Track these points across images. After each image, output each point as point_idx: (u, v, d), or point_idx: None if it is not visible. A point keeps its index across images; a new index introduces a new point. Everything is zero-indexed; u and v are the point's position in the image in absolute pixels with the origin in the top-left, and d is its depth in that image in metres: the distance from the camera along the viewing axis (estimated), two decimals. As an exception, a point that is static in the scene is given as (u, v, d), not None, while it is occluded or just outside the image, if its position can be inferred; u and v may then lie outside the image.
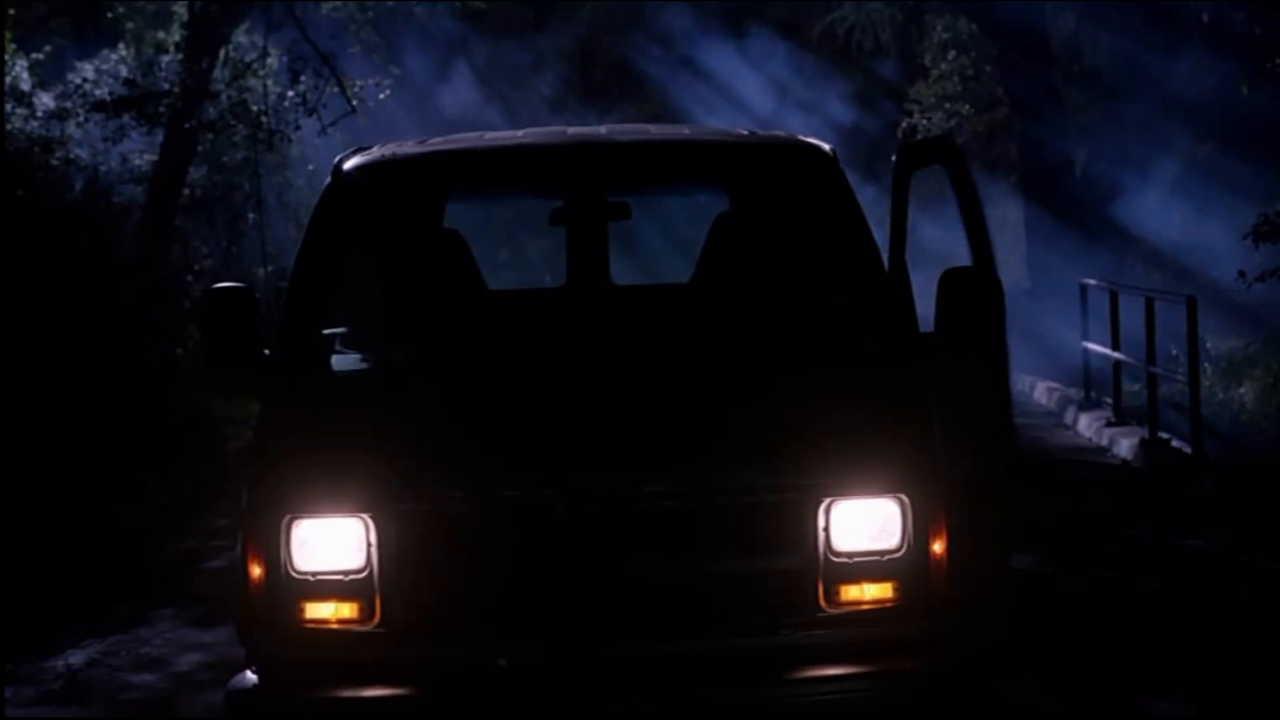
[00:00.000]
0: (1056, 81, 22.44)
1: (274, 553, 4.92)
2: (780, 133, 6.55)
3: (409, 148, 6.15)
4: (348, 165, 5.93)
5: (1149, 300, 14.06)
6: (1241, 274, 13.57)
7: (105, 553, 10.49)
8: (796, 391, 5.22)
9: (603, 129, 6.46)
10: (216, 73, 19.62)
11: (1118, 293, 15.39)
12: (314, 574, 4.93)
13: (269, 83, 20.35)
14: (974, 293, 5.43)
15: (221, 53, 19.71)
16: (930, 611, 4.96)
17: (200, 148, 20.35)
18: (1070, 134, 22.16)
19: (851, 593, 4.96)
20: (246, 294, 5.37)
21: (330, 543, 4.93)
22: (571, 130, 6.40)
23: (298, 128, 19.93)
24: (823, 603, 4.93)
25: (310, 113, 19.66)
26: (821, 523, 4.96)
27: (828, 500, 4.96)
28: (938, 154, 6.31)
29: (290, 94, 20.15)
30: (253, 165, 19.60)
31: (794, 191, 5.94)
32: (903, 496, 4.99)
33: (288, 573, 4.93)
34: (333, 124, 19.95)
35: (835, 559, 4.96)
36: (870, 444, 5.05)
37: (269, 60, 20.77)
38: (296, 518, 4.93)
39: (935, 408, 5.24)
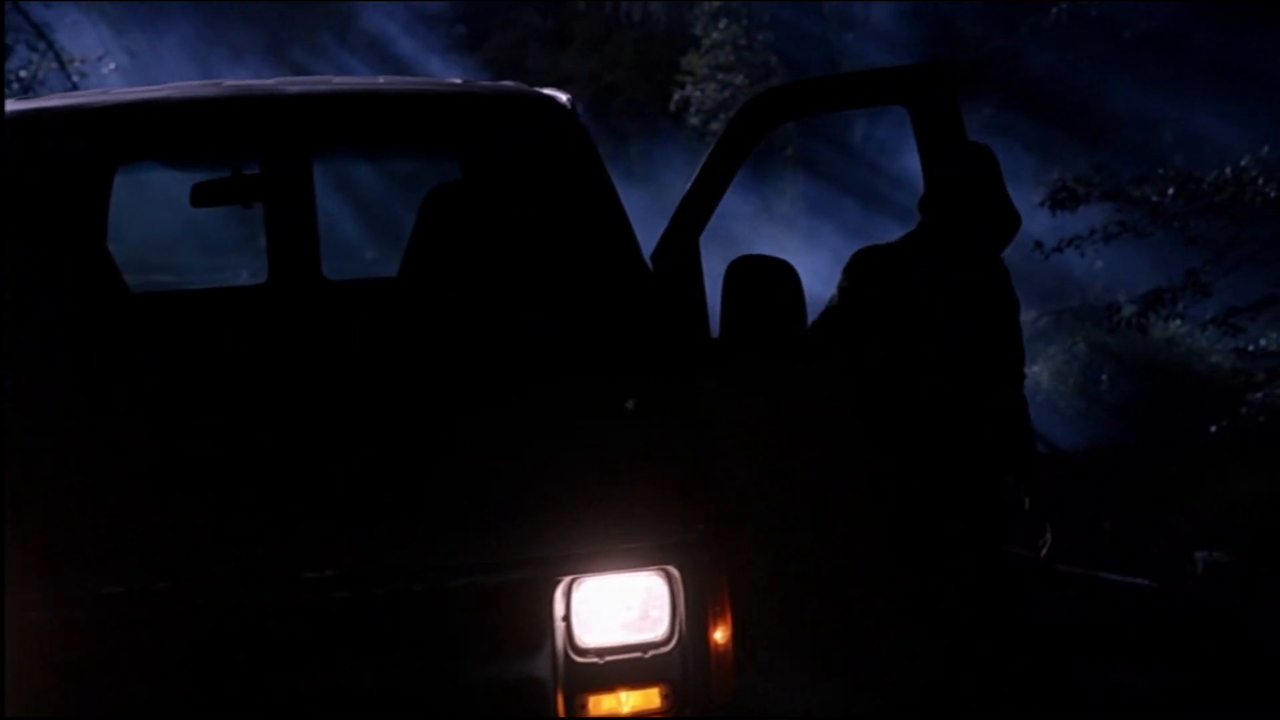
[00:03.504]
0: (832, 48, 21.74)
1: None
2: (509, 83, 5.20)
3: (57, 100, 4.71)
4: None
5: None
6: (1038, 244, 12.69)
7: None
8: (523, 429, 3.90)
9: (307, 79, 5.13)
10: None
11: None
12: None
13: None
14: (767, 286, 4.25)
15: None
16: None
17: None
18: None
19: (604, 704, 3.74)
20: None
21: None
22: (281, 81, 4.98)
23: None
24: (564, 720, 3.66)
25: (25, 90, 17.90)
26: (560, 610, 3.73)
27: (567, 579, 3.74)
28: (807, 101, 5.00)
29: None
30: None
31: (524, 154, 4.65)
32: (670, 569, 3.78)
33: None
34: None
35: (579, 659, 3.74)
36: (623, 498, 3.83)
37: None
38: None
39: (721, 441, 3.95)
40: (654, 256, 4.68)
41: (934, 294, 5.05)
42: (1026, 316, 16.40)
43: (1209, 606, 8.63)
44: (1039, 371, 15.09)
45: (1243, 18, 13.27)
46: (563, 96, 4.83)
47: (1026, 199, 14.52)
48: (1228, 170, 12.15)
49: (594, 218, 4.41)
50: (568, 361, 4.17)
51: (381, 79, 5.25)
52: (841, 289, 5.04)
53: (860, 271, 5.06)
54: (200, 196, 4.52)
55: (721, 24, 25.12)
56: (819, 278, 18.26)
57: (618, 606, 3.76)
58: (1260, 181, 11.99)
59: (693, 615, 3.77)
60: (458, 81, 5.13)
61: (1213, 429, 11.84)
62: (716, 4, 25.12)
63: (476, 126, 4.87)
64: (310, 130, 4.78)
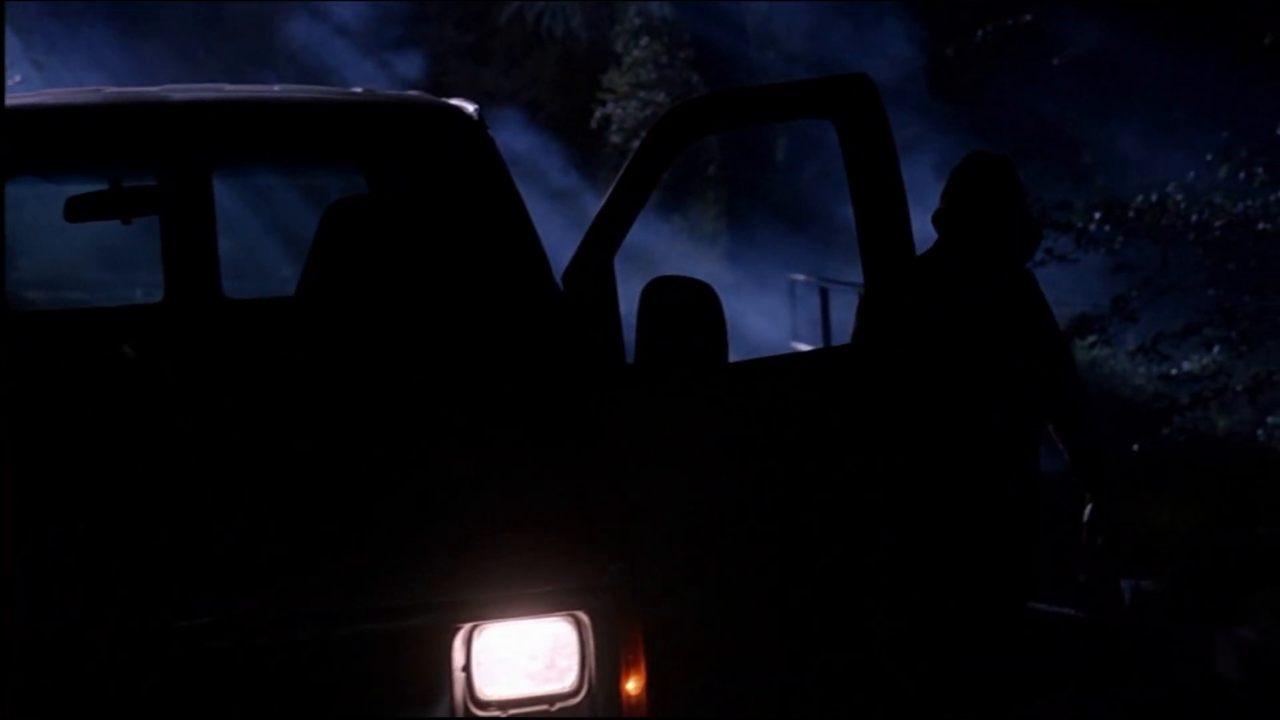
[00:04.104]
0: (754, 66, 21.69)
1: None
2: (413, 92, 4.93)
3: None
4: None
5: (862, 298, 13.04)
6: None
7: None
8: (423, 465, 3.62)
9: (197, 86, 4.86)
10: None
11: (828, 289, 14.60)
12: None
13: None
14: (685, 309, 4.00)
15: None
16: None
17: None
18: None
19: (506, 761, 3.43)
20: None
21: None
22: (167, 88, 4.69)
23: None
24: (463, 781, 3.41)
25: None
26: (459, 659, 3.46)
27: (467, 626, 3.47)
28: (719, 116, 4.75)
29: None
30: None
31: (428, 167, 4.39)
32: (579, 615, 3.52)
33: None
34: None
35: (480, 712, 3.47)
36: (529, 538, 3.55)
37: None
38: None
39: (637, 475, 3.70)
40: (565, 276, 4.41)
41: (962, 313, 4.84)
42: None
43: (1139, 636, 8.50)
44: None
45: (1169, 43, 13.22)
46: (469, 107, 4.58)
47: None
48: (1154, 196, 12.09)
49: (501, 235, 4.15)
50: (472, 390, 3.89)
51: (277, 87, 4.98)
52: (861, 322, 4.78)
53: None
54: (75, 211, 4.21)
55: (643, 42, 25.17)
56: (742, 297, 18.25)
57: (522, 655, 3.50)
58: (1185, 207, 11.93)
59: (604, 664, 3.51)
60: (359, 91, 4.85)
61: (1134, 448, 11.74)
62: (638, 22, 25.19)
63: (378, 137, 4.60)
64: (205, 140, 4.50)
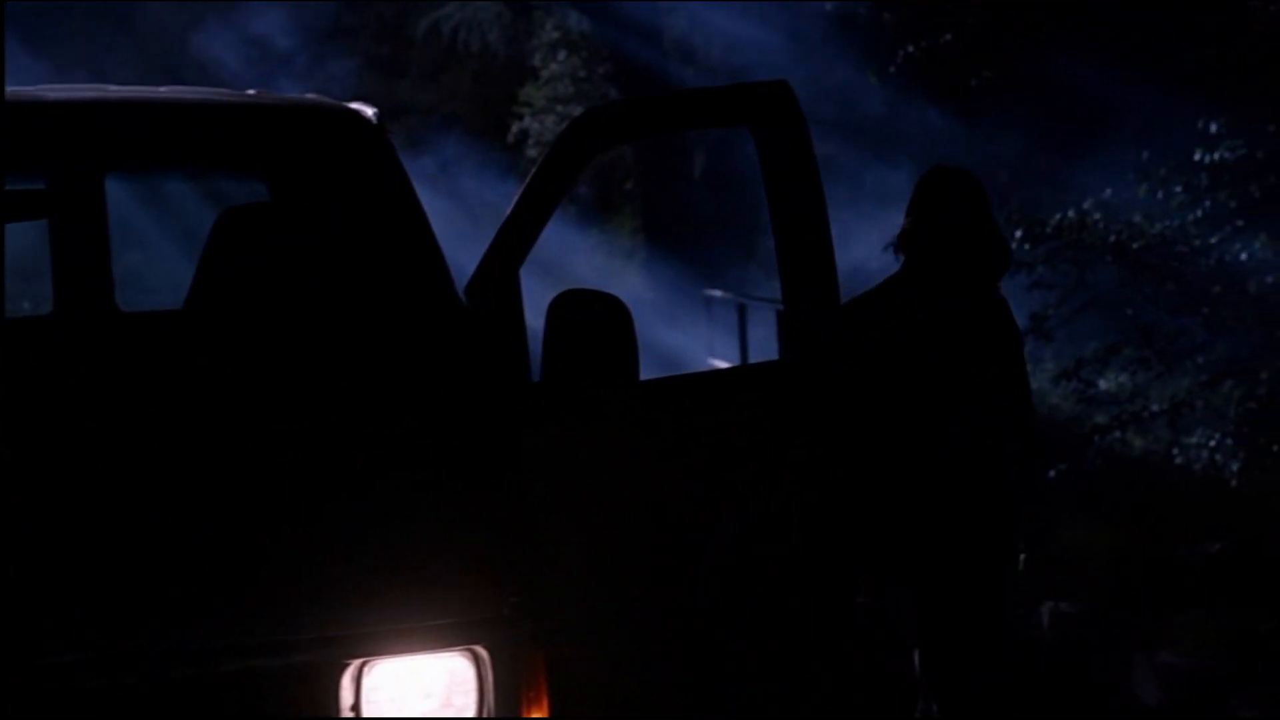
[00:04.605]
0: (672, 81, 21.59)
1: None
2: (311, 95, 4.72)
3: None
4: None
5: (780, 314, 12.97)
6: (886, 288, 12.40)
7: None
8: (312, 491, 3.41)
9: (80, 88, 4.65)
10: None
11: (745, 306, 14.48)
12: None
13: None
14: (592, 323, 3.87)
15: None
16: None
17: None
18: (690, 131, 21.26)
19: (400, 808, 3.22)
20: None
21: None
22: (42, 88, 4.46)
23: None
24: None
25: None
26: (348, 697, 3.27)
27: (357, 662, 3.28)
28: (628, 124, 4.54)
29: None
30: None
31: (324, 172, 4.19)
32: (477, 649, 3.34)
33: None
34: None
35: None
36: (425, 569, 3.37)
37: None
38: None
39: (542, 502, 3.50)
40: (468, 289, 4.20)
41: (935, 333, 4.66)
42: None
43: (1058, 659, 8.42)
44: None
45: (1090, 62, 13.20)
46: (368, 110, 4.37)
47: (871, 241, 14.34)
48: (1070, 213, 12.02)
49: (400, 244, 3.95)
50: (367, 410, 3.68)
51: (165, 89, 4.75)
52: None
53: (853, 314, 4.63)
54: None
55: (561, 56, 25.00)
56: (659, 313, 18.13)
57: (416, 693, 3.31)
58: (1103, 226, 11.87)
59: (504, 701, 3.33)
60: (254, 93, 4.63)
61: (1051, 474, 11.66)
62: (555, 36, 24.99)
63: (274, 140, 4.39)
64: (94, 142, 4.27)
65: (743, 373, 4.64)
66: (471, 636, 3.30)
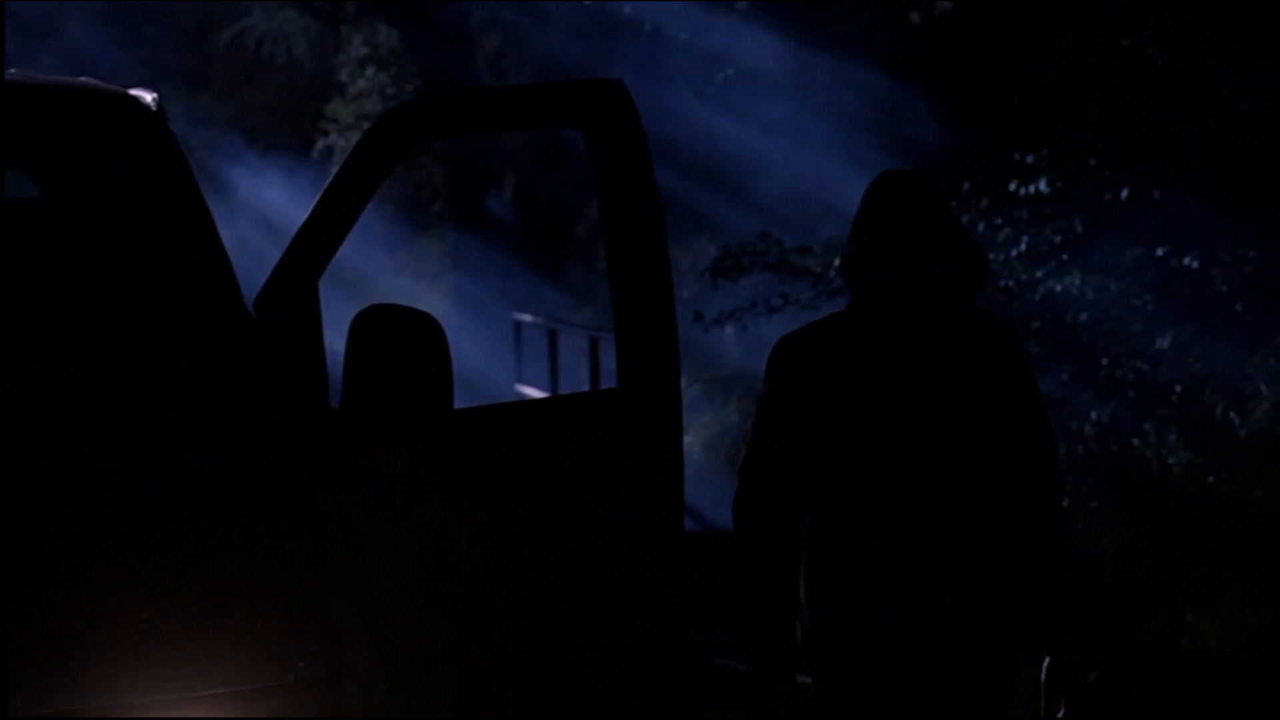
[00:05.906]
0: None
1: None
2: (83, 78, 4.17)
3: None
4: None
5: (593, 341, 12.99)
6: (699, 316, 12.19)
7: None
8: (73, 541, 2.91)
9: None
10: None
11: (557, 331, 14.23)
12: None
13: None
14: (400, 342, 3.32)
15: None
16: None
17: None
18: (500, 153, 20.84)
19: None
20: None
21: None
22: None
23: None
24: None
25: None
26: None
27: None
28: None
29: None
30: None
31: (95, 164, 3.67)
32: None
33: None
34: None
35: None
36: (204, 632, 2.99)
37: None
38: None
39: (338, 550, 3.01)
40: (258, 301, 3.66)
41: (901, 363, 3.83)
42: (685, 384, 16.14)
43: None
44: (690, 442, 14.68)
45: (919, 91, 13.12)
46: (147, 96, 3.85)
47: (688, 266, 14.09)
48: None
49: (180, 246, 3.43)
50: (136, 442, 3.15)
51: None
52: (771, 388, 3.88)
53: (788, 363, 3.84)
54: None
55: (369, 72, 24.68)
56: (468, 337, 17.66)
57: None
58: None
59: None
60: (14, 72, 4.06)
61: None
62: (364, 51, 24.64)
63: (37, 127, 3.83)
64: None
65: (577, 401, 4.15)
66: (256, 706, 2.90)
